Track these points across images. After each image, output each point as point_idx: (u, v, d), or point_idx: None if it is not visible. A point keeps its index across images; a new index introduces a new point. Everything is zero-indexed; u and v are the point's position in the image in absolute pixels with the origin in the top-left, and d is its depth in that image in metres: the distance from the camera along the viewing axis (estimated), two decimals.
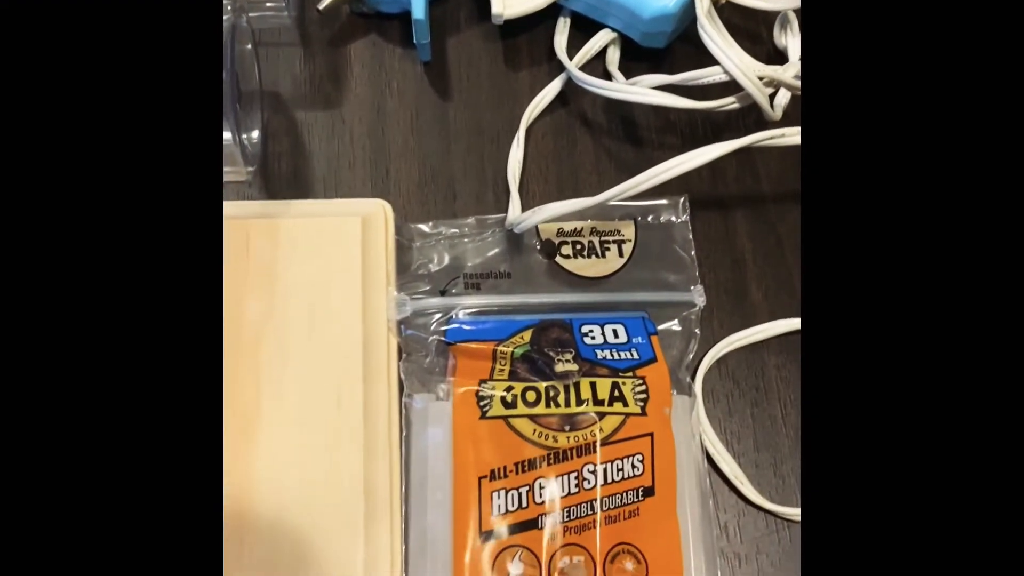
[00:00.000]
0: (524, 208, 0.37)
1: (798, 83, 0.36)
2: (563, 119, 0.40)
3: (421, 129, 0.40)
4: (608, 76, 0.40)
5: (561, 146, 0.40)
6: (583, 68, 0.40)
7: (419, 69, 0.41)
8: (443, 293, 0.35)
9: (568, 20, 0.41)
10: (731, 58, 0.34)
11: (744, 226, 0.38)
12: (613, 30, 0.40)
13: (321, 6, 0.39)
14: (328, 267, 0.35)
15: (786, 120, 0.37)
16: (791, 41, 0.40)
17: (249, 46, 0.37)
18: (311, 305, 0.34)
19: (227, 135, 0.33)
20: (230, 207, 0.36)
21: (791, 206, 0.39)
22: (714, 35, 0.35)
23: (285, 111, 0.39)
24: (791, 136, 0.34)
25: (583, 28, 0.41)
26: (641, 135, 0.40)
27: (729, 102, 0.36)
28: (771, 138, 0.33)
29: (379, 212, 0.36)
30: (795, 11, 0.39)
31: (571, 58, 0.40)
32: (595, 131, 0.40)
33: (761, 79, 0.35)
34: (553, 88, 0.40)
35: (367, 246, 0.35)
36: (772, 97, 0.36)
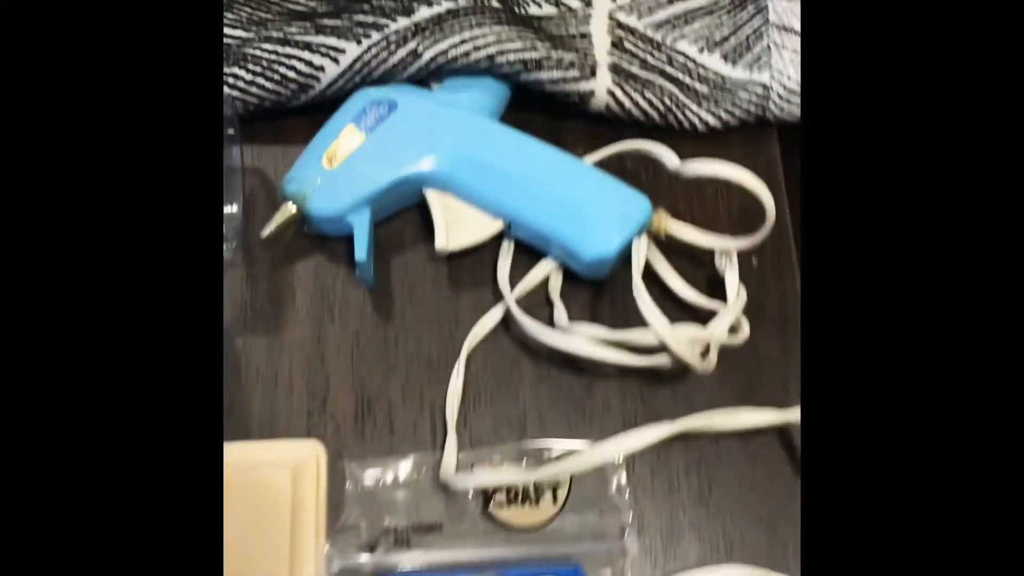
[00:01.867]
0: (462, 447, 0.37)
1: (731, 339, 0.36)
2: (507, 345, 0.40)
3: (361, 356, 0.40)
4: (550, 303, 0.40)
5: (503, 374, 0.40)
6: (527, 296, 0.40)
7: (362, 293, 0.41)
8: (372, 550, 0.35)
9: (512, 244, 0.41)
10: (662, 325, 0.35)
11: (676, 472, 0.38)
12: (555, 260, 0.40)
13: (264, 233, 0.39)
14: (256, 521, 0.34)
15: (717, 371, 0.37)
16: (729, 273, 0.40)
17: None
18: (236, 558, 0.34)
19: None
20: None
21: (729, 443, 0.39)
22: (647, 302, 0.35)
23: (225, 338, 0.39)
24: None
25: (528, 251, 0.41)
26: (585, 364, 0.40)
27: (662, 360, 0.36)
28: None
29: (312, 459, 0.36)
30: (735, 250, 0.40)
31: (516, 283, 0.40)
32: (539, 358, 0.40)
33: (693, 341, 0.35)
34: (495, 314, 0.40)
35: (297, 498, 0.35)
36: (704, 352, 0.37)
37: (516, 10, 0.44)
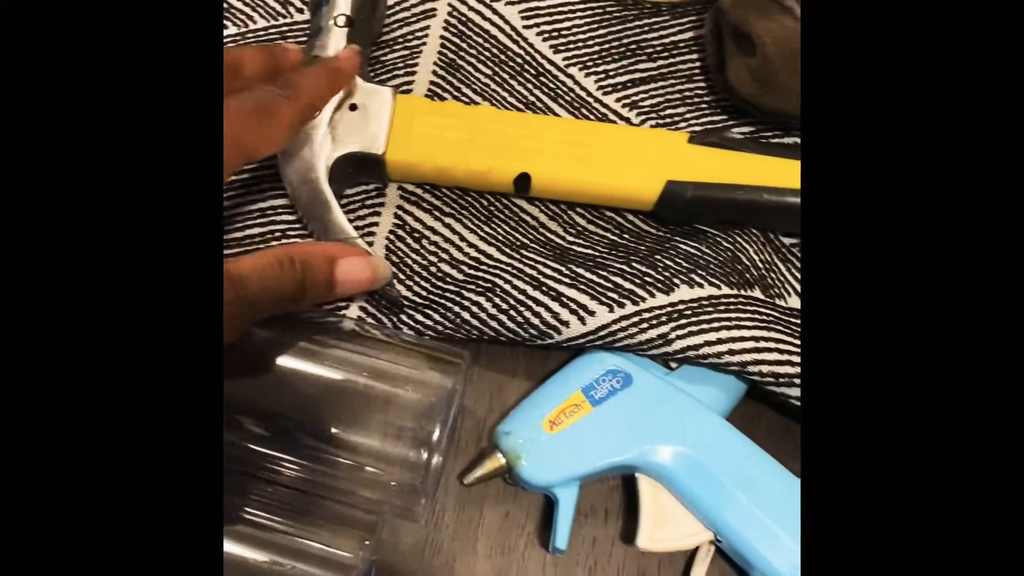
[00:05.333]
0: None
1: None
2: None
3: None
4: None
5: None
6: None
7: (545, 558, 0.39)
8: None
9: (712, 551, 0.38)
10: None
11: None
12: None
13: (468, 481, 0.38)
14: None
15: None
16: None
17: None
18: None
19: None
20: None
21: None
22: None
23: None
24: None
25: (728, 561, 0.38)
26: None
27: None
28: None
29: None
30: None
31: None
32: None
33: None
34: None
35: None
36: None
37: (776, 301, 0.41)
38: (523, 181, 0.41)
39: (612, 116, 0.46)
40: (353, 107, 0.41)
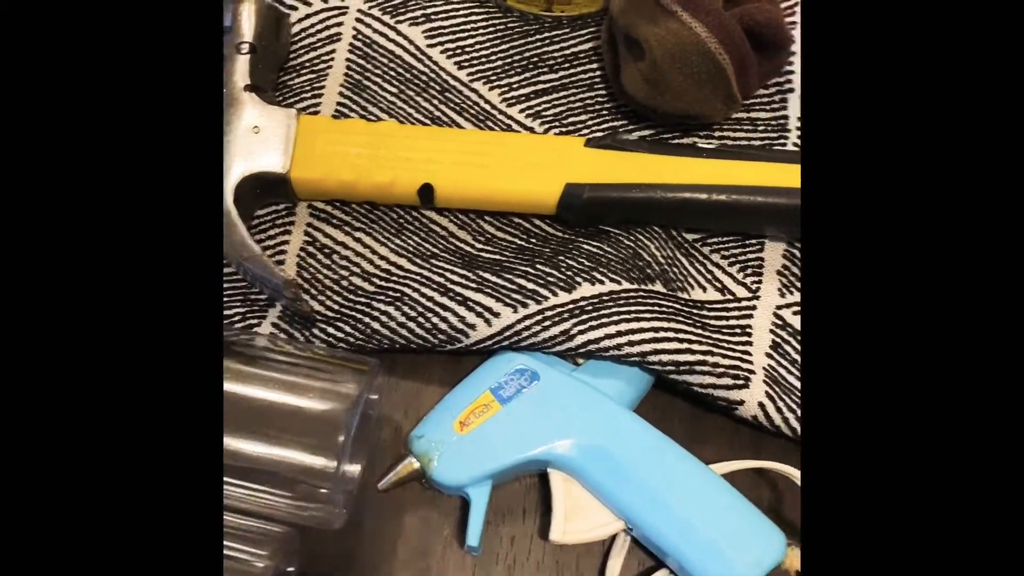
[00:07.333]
0: None
1: None
2: None
3: None
4: None
5: None
6: None
7: (464, 559, 0.39)
8: None
9: (628, 541, 0.39)
10: None
11: None
12: (671, 573, 0.38)
13: (382, 486, 0.39)
14: None
15: None
16: None
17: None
18: None
19: None
20: None
21: None
22: None
23: None
24: None
25: (644, 551, 0.39)
26: None
27: None
28: None
29: None
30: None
31: None
32: None
33: None
34: None
35: None
36: None
37: (679, 294, 0.42)
38: (427, 192, 0.42)
39: (516, 127, 0.47)
40: (256, 129, 0.42)
